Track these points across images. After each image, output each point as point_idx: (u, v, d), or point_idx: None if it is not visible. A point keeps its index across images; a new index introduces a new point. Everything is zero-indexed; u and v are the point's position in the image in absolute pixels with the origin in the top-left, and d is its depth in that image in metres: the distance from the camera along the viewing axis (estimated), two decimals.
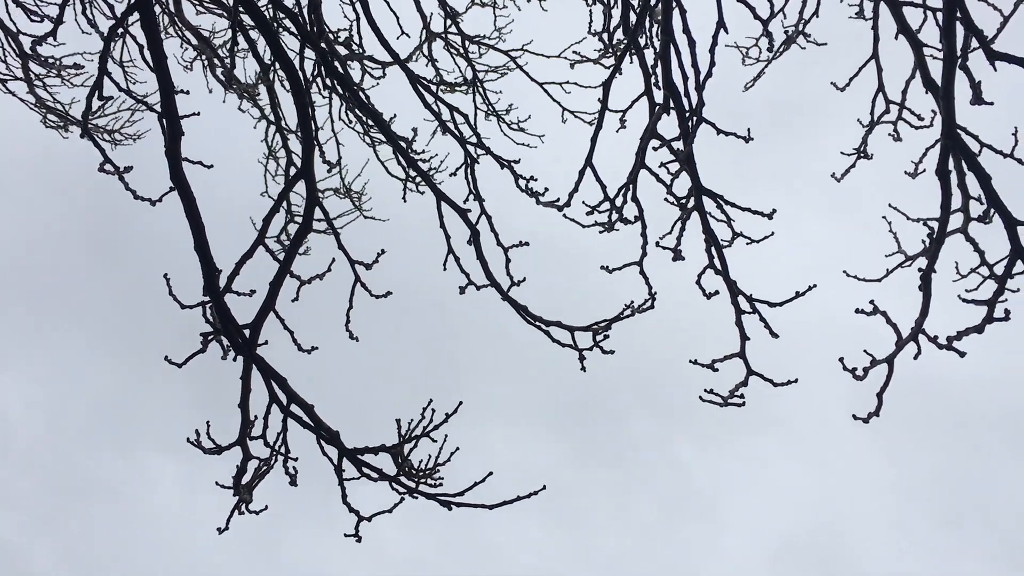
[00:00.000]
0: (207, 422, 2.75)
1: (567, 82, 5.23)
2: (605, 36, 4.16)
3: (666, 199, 3.65)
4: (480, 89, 5.29)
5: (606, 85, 3.36)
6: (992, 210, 3.26)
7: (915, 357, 3.43)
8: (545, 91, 5.28)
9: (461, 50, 5.17)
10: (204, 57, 4.42)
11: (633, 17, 3.83)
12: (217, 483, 2.75)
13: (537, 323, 3.23)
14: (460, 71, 5.27)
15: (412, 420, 2.85)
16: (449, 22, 5.05)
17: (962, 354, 3.35)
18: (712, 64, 3.30)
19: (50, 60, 3.89)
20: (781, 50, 4.27)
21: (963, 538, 12.89)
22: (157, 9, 4.39)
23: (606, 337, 3.29)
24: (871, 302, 3.42)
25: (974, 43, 3.12)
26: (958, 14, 3.02)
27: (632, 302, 3.35)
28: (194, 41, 4.47)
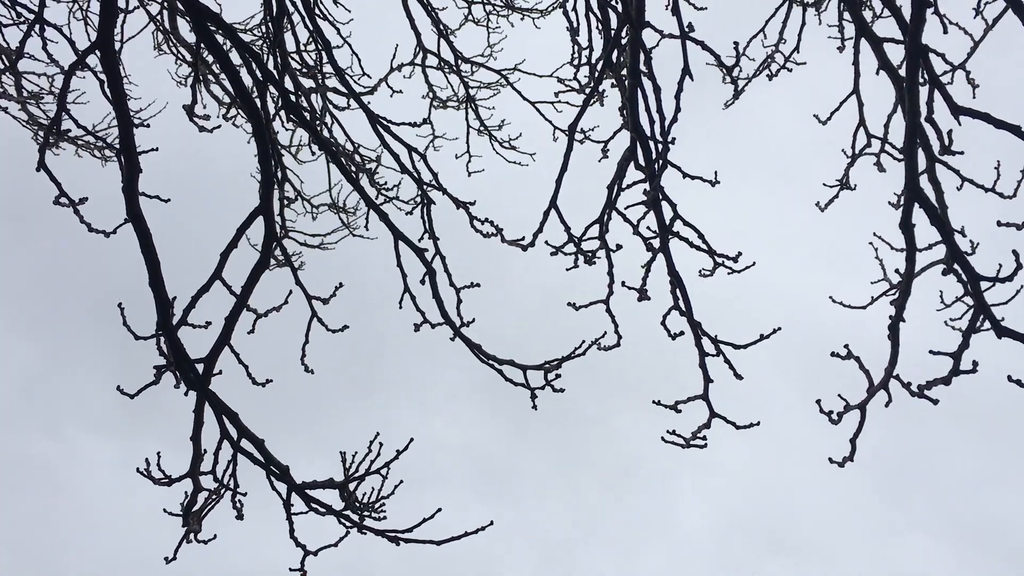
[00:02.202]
0: (158, 452, 2.83)
1: (559, 101, 5.23)
2: (586, 69, 4.16)
3: (635, 234, 3.67)
4: (472, 106, 5.32)
5: (571, 128, 3.36)
6: (955, 264, 3.24)
7: (886, 405, 3.44)
8: (537, 110, 5.28)
9: (454, 68, 5.20)
10: (199, 74, 4.50)
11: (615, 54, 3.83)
12: (166, 510, 2.84)
13: (490, 362, 3.28)
14: (453, 88, 5.31)
15: (356, 452, 2.92)
16: (441, 40, 5.08)
17: (935, 402, 3.36)
18: (678, 109, 3.31)
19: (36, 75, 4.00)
20: (753, 77, 4.25)
21: (909, 513, 12.88)
22: (151, 27, 4.49)
23: (558, 376, 3.33)
24: (845, 346, 3.41)
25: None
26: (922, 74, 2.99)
27: (583, 340, 3.38)
28: (188, 57, 4.56)
